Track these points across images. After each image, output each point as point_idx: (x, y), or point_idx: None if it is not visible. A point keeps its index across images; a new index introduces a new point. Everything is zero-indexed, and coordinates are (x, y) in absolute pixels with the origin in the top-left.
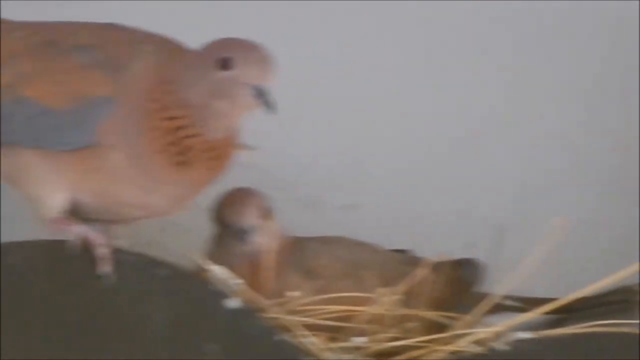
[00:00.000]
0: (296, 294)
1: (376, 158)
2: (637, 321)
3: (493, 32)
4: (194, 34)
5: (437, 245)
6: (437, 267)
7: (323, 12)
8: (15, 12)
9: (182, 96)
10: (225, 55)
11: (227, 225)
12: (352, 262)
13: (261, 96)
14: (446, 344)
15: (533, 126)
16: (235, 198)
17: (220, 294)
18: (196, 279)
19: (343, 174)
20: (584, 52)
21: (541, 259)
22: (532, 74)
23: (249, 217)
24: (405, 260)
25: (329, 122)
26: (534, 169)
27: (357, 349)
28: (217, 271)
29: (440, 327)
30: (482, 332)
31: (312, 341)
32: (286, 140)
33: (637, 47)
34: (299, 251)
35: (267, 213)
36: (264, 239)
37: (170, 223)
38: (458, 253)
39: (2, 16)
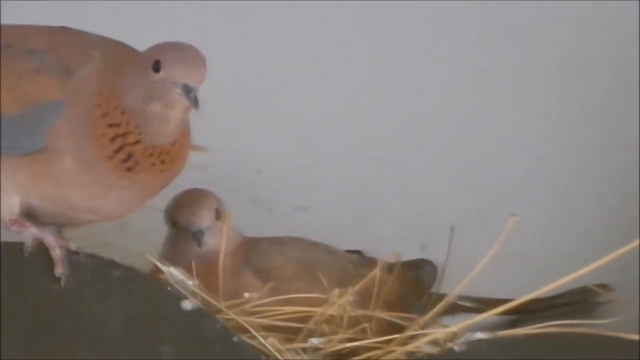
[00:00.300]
0: (253, 295)
1: (330, 159)
2: (593, 321)
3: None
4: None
5: (392, 246)
6: (392, 268)
7: (278, 13)
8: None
9: (123, 102)
10: (155, 57)
11: (182, 226)
12: (307, 263)
13: (188, 94)
14: (402, 344)
15: (487, 126)
16: (190, 199)
17: (176, 296)
18: (152, 280)
19: (297, 175)
20: (544, 47)
21: (496, 259)
22: (487, 73)
23: (204, 219)
24: (360, 261)
25: (283, 125)
26: (488, 168)
27: (314, 350)
28: (173, 272)
29: (396, 328)
30: (437, 332)
31: (269, 342)
32: (240, 142)
33: (595, 44)
34: (254, 252)
35: (220, 214)
36: (218, 240)
37: (126, 225)
38: (413, 254)
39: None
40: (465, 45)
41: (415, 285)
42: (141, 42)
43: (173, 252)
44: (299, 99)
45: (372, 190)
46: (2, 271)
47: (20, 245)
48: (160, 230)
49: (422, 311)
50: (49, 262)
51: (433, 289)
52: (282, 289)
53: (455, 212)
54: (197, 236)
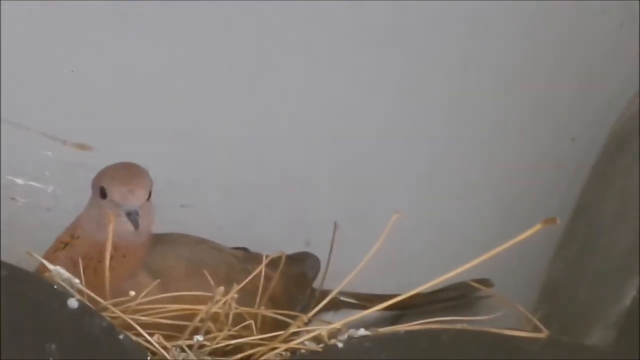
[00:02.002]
0: (146, 292)
1: (213, 157)
2: (473, 318)
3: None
4: None
5: (277, 243)
6: (277, 263)
7: (159, 11)
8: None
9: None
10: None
11: (115, 202)
12: (196, 262)
13: (129, 216)
14: (285, 341)
15: (368, 124)
16: (127, 176)
17: (63, 294)
18: (38, 278)
19: (181, 173)
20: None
21: (379, 255)
22: (360, 72)
23: (139, 199)
24: (246, 257)
25: (166, 124)
26: (370, 166)
27: (200, 347)
28: (60, 271)
29: (280, 325)
30: (320, 329)
31: (155, 339)
32: (124, 141)
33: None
34: (149, 252)
35: (150, 194)
36: (146, 222)
37: (12, 224)
38: (297, 250)
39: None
40: (346, 46)
41: (299, 279)
42: None
43: (94, 224)
44: (181, 98)
45: (256, 189)
46: None
47: None
48: (47, 230)
49: (306, 306)
50: None
51: (316, 284)
52: (173, 288)
53: (338, 209)
54: (134, 217)
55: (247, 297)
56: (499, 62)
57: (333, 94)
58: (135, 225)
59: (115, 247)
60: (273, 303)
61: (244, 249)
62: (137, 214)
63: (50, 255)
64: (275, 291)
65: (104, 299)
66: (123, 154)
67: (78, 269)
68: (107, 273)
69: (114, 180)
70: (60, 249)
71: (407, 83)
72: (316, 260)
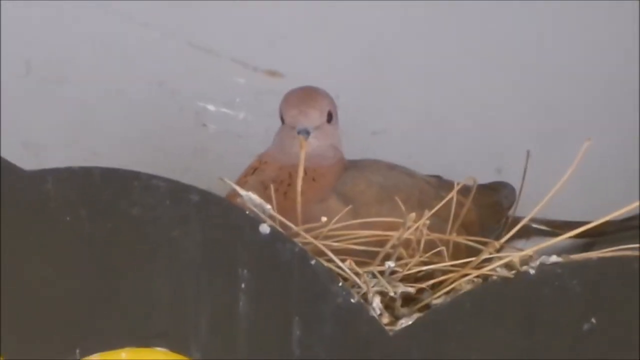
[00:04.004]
0: (337, 218)
1: (405, 85)
2: None
3: None
4: None
5: (467, 171)
6: (469, 191)
7: None
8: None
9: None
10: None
11: (288, 124)
12: (388, 187)
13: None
14: (477, 268)
15: (559, 49)
16: (300, 97)
17: (254, 220)
18: (230, 204)
19: (372, 100)
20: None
21: (571, 182)
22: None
23: (311, 120)
24: (439, 184)
25: (357, 50)
26: (562, 92)
27: (391, 273)
28: (252, 197)
29: (473, 253)
30: (512, 256)
31: (346, 265)
32: (314, 68)
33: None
34: (340, 177)
35: (332, 117)
36: (325, 144)
37: (205, 150)
38: (488, 178)
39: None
40: None
41: (493, 208)
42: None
43: (279, 149)
44: (369, 25)
45: (448, 116)
46: (80, 195)
47: (97, 170)
48: (238, 156)
49: (498, 235)
50: (127, 187)
51: (510, 212)
52: (363, 213)
53: (530, 137)
54: (303, 136)
55: (440, 223)
56: None
57: (523, 19)
58: (300, 145)
59: (305, 171)
60: (467, 231)
61: (438, 177)
62: (307, 133)
63: (240, 180)
64: (469, 219)
65: (295, 224)
66: (313, 81)
67: (269, 192)
68: (299, 199)
69: (287, 103)
70: (250, 174)
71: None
72: (512, 190)
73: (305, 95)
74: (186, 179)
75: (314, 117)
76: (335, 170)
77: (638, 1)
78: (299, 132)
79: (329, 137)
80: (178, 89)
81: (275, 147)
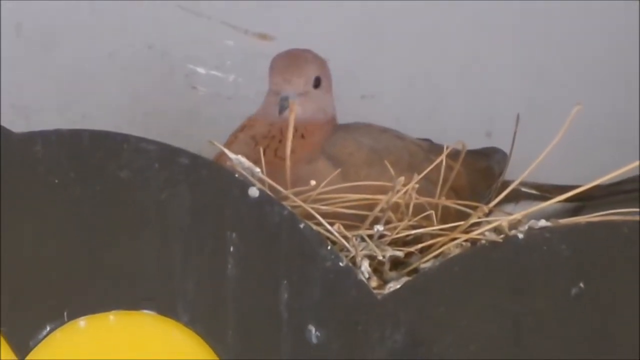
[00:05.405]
0: (326, 182)
1: (394, 49)
2: None
3: None
4: None
5: (457, 135)
6: (459, 155)
7: None
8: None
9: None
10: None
11: (275, 92)
12: (378, 150)
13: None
14: (466, 232)
15: (551, 14)
16: (286, 63)
17: (243, 183)
18: (219, 167)
19: (361, 64)
20: None
21: (560, 146)
22: None
23: (294, 86)
24: (430, 147)
25: (348, 14)
26: (553, 59)
27: (380, 236)
28: (241, 160)
29: (463, 218)
30: (501, 220)
31: (335, 229)
32: (304, 31)
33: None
34: (330, 138)
35: (321, 81)
36: (311, 109)
37: (195, 113)
38: (478, 142)
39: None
40: None
41: (485, 174)
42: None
43: (263, 112)
44: None
45: (437, 80)
46: (69, 158)
47: (87, 133)
48: (228, 119)
49: (488, 200)
50: (116, 150)
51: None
52: (352, 175)
53: (519, 101)
54: (283, 102)
55: (430, 187)
56: None
57: None
58: (281, 110)
59: (295, 127)
60: (457, 195)
61: (429, 140)
62: (286, 100)
63: (230, 138)
64: (459, 183)
65: (284, 185)
66: (303, 44)
67: (258, 148)
68: (289, 162)
69: (272, 69)
70: (240, 131)
71: None
72: (504, 156)
73: (291, 62)
74: (176, 141)
75: (298, 84)
76: (326, 130)
77: None
78: (281, 100)
79: (315, 102)
80: (168, 52)
81: (262, 108)
